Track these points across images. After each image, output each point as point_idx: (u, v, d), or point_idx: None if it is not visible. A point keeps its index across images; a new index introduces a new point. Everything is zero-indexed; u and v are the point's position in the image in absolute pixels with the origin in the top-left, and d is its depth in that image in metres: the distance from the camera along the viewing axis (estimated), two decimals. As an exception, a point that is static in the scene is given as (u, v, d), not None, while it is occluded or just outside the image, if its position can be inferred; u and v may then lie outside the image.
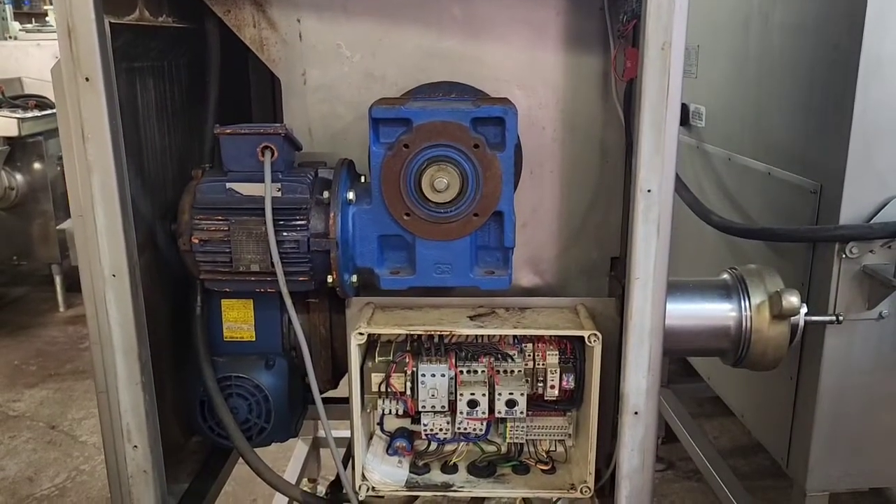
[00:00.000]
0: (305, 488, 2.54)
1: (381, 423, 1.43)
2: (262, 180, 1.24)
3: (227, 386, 1.42)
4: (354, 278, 1.29)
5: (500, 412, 1.29)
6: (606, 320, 1.37)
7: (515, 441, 1.39)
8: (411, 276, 1.26)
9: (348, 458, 2.06)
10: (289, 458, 2.56)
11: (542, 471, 1.40)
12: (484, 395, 1.28)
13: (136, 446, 1.24)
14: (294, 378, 1.49)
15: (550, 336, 1.35)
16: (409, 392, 1.31)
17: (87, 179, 1.14)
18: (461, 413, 1.29)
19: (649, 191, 1.14)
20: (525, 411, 1.29)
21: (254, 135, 1.26)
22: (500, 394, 1.28)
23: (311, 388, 1.25)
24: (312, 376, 1.25)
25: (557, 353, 1.35)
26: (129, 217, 1.19)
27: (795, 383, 1.82)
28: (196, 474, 1.57)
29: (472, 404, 1.28)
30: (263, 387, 1.43)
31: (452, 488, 1.37)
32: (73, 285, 4.39)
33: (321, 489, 2.61)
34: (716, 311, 1.50)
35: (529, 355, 1.36)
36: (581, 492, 1.34)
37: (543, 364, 1.35)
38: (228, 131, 1.25)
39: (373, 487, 1.35)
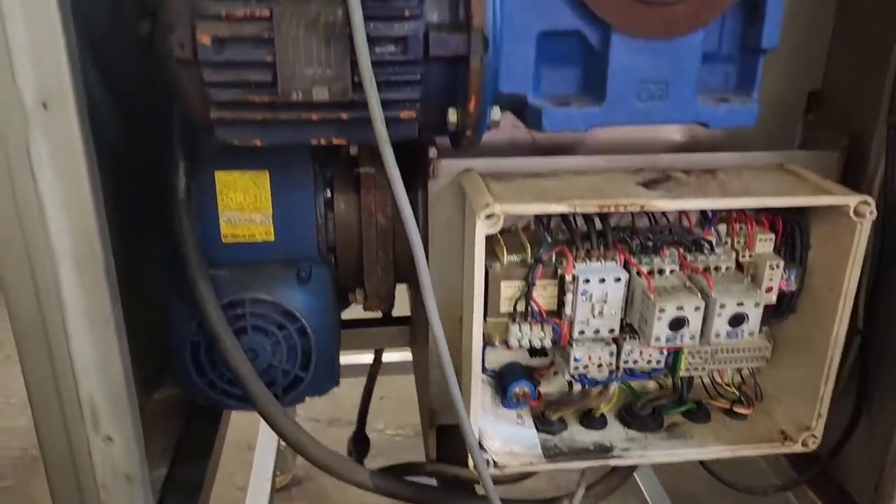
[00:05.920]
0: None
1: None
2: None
3: (239, 316, 0.86)
4: (497, 112, 0.73)
5: (717, 334, 0.80)
6: (825, 185, 0.90)
7: (692, 374, 0.92)
8: (595, 108, 0.72)
9: (368, 397, 1.53)
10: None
11: (732, 415, 0.94)
12: (698, 308, 0.79)
13: (109, 438, 0.67)
14: (335, 295, 0.94)
15: (755, 213, 0.87)
16: (569, 309, 0.80)
17: None
18: (657, 339, 0.79)
19: None
20: (757, 331, 0.81)
21: None
22: (722, 305, 0.79)
23: (428, 309, 0.70)
24: (428, 285, 0.70)
25: (772, 236, 0.87)
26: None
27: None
28: (175, 452, 1.01)
29: (678, 324, 0.79)
30: (298, 313, 0.87)
31: (612, 453, 0.89)
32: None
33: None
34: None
35: (726, 242, 0.88)
36: (804, 443, 0.89)
37: (751, 255, 0.87)
38: None
39: (494, 462, 0.85)
